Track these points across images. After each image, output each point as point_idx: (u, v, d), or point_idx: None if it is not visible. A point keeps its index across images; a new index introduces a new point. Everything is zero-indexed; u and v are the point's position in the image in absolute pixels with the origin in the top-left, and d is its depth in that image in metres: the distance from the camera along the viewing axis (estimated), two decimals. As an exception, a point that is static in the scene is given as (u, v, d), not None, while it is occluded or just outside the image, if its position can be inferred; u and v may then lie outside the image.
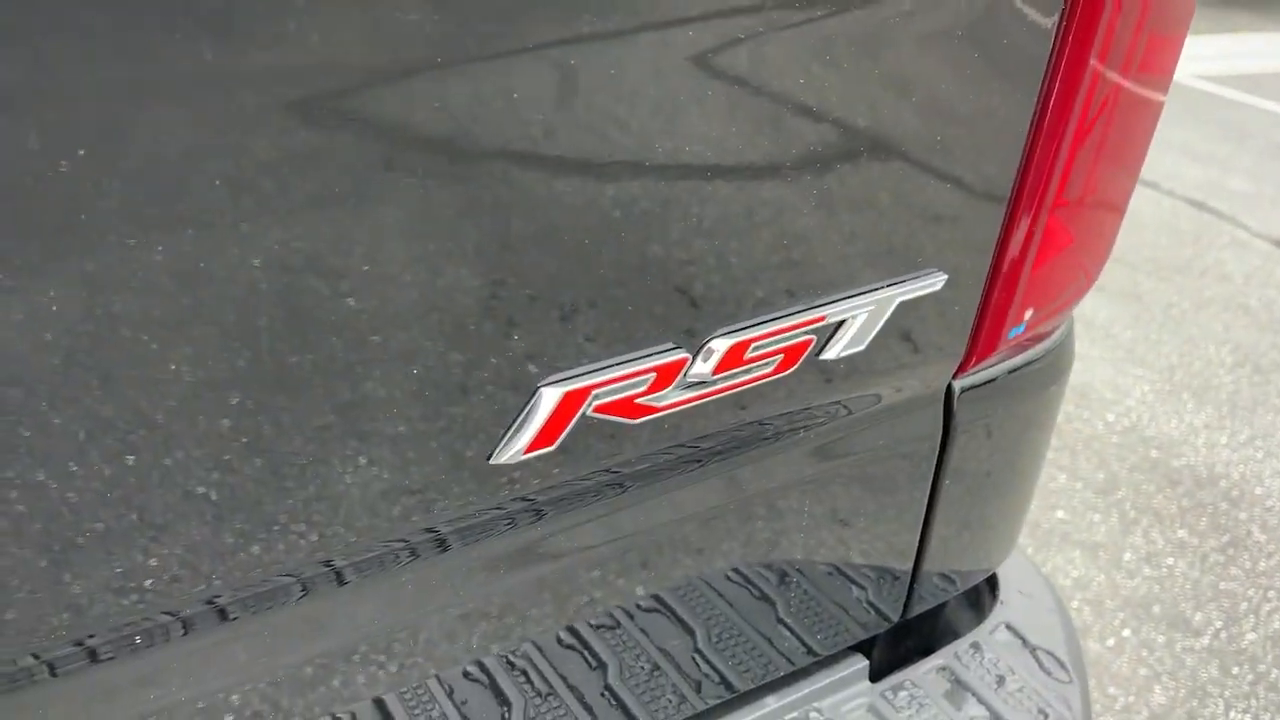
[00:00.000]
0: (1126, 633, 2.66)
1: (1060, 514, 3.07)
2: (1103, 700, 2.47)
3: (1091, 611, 2.71)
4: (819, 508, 0.91)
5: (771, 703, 0.95)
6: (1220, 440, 3.46)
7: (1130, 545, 2.96)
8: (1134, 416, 3.55)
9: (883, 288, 0.78)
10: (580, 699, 0.86)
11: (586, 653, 0.85)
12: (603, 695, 0.87)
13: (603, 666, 0.87)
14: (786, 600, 0.94)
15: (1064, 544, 2.95)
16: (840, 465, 0.91)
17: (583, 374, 0.67)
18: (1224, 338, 4.10)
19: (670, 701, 0.91)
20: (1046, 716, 0.93)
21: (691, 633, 0.90)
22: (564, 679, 0.85)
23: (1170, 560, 2.92)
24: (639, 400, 0.70)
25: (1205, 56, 8.08)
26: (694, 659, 0.91)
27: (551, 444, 0.68)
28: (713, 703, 0.93)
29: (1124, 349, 3.97)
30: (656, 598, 0.86)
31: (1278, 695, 2.50)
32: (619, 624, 0.85)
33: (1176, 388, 3.74)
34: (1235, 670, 2.56)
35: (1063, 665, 0.99)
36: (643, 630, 0.87)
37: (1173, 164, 5.84)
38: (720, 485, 0.84)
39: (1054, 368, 0.99)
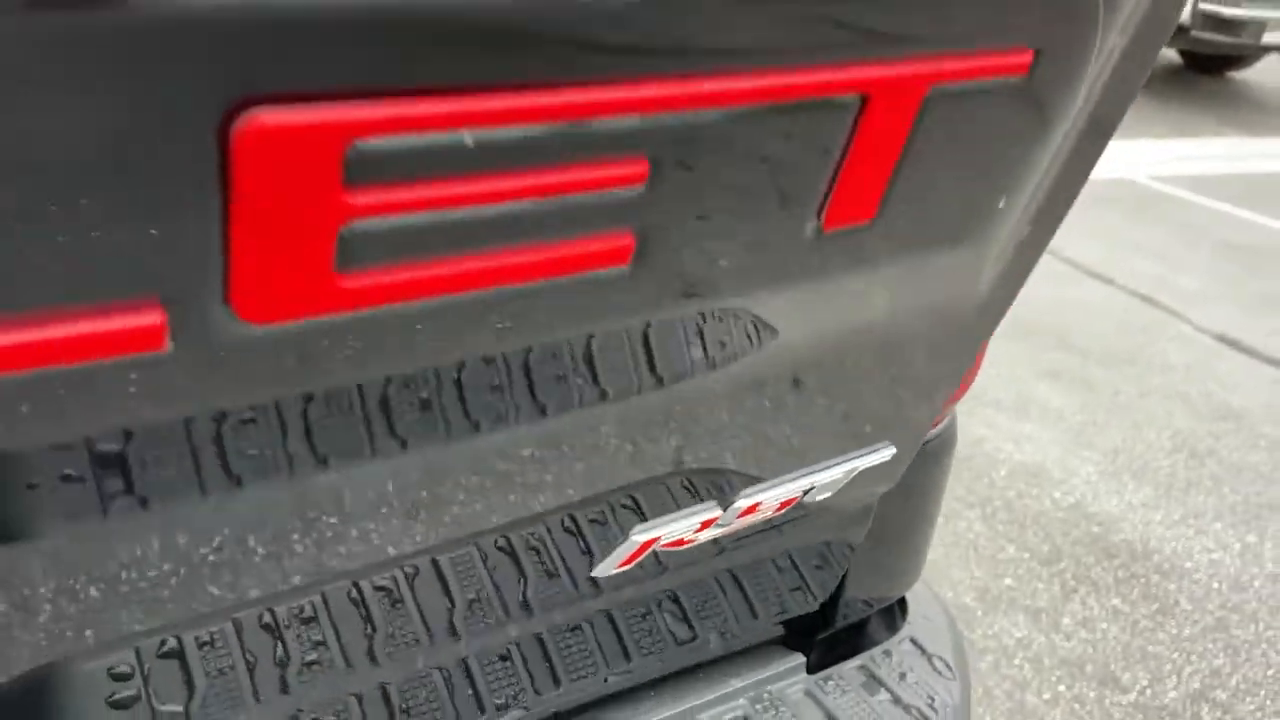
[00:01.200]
0: (1062, 688, 2.98)
1: (1008, 581, 3.40)
2: (1039, 747, 2.78)
3: (1031, 668, 3.03)
4: (777, 553, 1.27)
5: (734, 683, 1.30)
6: (1155, 518, 3.81)
7: (1069, 611, 3.29)
8: (1079, 494, 3.90)
9: (847, 460, 1.12)
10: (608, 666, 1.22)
11: (617, 642, 1.21)
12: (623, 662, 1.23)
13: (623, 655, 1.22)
14: (752, 609, 1.29)
15: (1010, 608, 3.27)
16: (796, 529, 1.27)
17: (658, 526, 1.03)
18: (1164, 424, 4.47)
19: (660, 664, 1.26)
20: (933, 701, 1.28)
21: (694, 633, 1.26)
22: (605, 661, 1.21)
23: (1104, 625, 3.25)
24: (688, 537, 1.07)
25: (1164, 159, 8.56)
26: (687, 650, 1.27)
27: (633, 564, 1.05)
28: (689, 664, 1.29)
29: (1074, 432, 4.33)
30: (674, 614, 1.22)
31: (1192, 744, 2.82)
32: (649, 629, 1.21)
33: (1119, 469, 4.10)
34: (1157, 723, 2.88)
35: (950, 667, 1.33)
36: (662, 631, 1.23)
37: (1128, 261, 6.29)
38: (728, 558, 1.21)
39: (944, 445, 1.35)
